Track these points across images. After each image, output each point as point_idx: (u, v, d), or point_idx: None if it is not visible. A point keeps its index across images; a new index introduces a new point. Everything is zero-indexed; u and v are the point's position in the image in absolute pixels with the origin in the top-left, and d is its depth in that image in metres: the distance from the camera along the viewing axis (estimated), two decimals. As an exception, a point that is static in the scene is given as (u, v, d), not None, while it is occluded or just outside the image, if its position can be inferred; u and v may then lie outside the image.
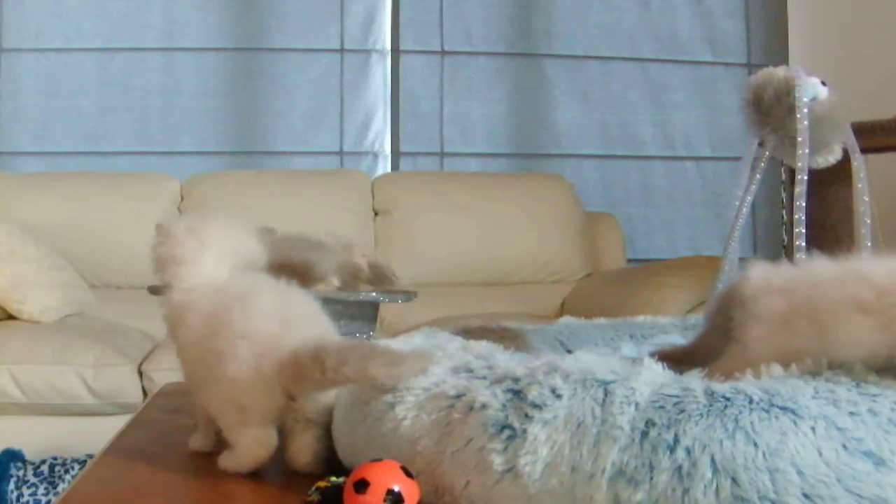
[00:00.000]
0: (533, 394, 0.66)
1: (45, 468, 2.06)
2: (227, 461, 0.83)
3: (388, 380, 0.76)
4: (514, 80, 3.52)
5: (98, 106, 3.28)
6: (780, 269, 0.79)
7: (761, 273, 0.79)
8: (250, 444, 0.81)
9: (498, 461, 0.65)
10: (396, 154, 3.48)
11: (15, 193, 2.91)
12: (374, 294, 1.23)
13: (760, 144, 1.11)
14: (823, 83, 1.08)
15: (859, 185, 1.06)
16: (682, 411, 0.60)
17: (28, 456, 2.11)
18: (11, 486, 2.03)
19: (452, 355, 0.81)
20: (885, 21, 3.28)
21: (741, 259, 1.12)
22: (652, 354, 0.78)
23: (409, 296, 1.24)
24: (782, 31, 3.67)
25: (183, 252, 0.90)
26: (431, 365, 0.77)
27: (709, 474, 0.56)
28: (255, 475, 0.81)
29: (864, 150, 1.09)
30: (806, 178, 1.04)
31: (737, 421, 0.58)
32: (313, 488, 0.72)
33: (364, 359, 0.76)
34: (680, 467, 0.57)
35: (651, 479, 0.58)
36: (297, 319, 0.83)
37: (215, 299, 0.86)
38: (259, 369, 0.79)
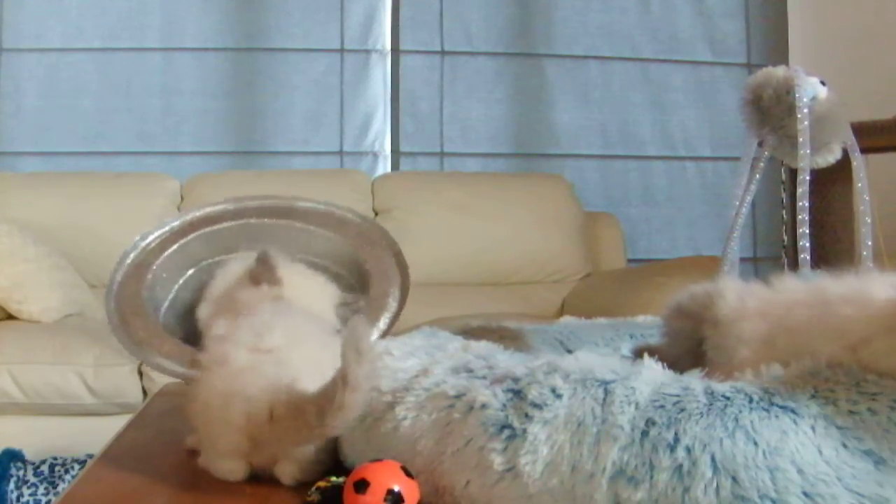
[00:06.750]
0: (533, 393, 0.66)
1: (45, 468, 2.06)
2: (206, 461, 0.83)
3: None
4: (514, 81, 3.52)
5: (98, 106, 3.27)
6: (753, 290, 0.79)
7: (735, 294, 0.79)
8: (221, 472, 0.80)
9: (498, 461, 0.65)
10: (396, 154, 3.48)
11: (15, 193, 2.91)
12: None
13: (760, 144, 1.11)
14: (823, 83, 1.07)
15: (859, 185, 1.05)
16: (683, 410, 0.60)
17: (28, 456, 2.11)
18: (11, 486, 2.02)
19: (452, 355, 0.81)
20: (885, 21, 3.28)
21: (741, 259, 1.12)
22: (635, 351, 0.78)
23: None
24: (782, 31, 3.67)
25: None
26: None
27: (709, 473, 0.56)
28: (255, 475, 0.81)
29: (864, 150, 1.09)
30: (808, 178, 1.03)
31: (737, 420, 0.58)
32: (313, 488, 0.72)
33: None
34: (680, 466, 0.57)
35: (651, 478, 0.58)
36: (286, 350, 0.78)
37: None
38: (225, 408, 0.76)
